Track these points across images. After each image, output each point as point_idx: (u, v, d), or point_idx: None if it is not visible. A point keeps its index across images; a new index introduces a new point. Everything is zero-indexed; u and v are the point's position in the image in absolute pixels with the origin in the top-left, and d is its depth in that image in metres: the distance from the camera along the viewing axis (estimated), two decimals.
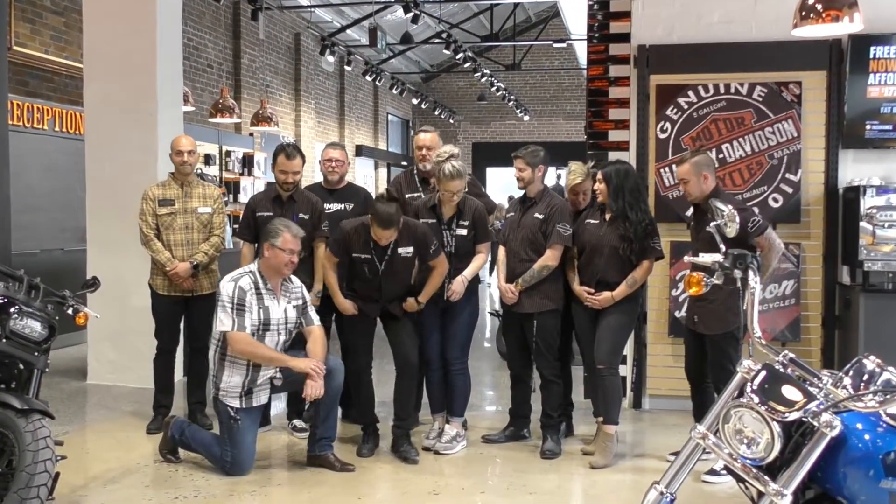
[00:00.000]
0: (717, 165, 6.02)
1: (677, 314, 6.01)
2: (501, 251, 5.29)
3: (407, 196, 5.50)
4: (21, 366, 3.97)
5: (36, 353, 3.97)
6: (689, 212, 5.22)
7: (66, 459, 4.11)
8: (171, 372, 5.75)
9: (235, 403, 4.70)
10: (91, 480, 4.71)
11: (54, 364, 4.55)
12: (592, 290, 5.02)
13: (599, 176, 5.08)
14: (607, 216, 5.05)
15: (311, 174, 15.44)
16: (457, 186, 5.01)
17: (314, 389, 4.65)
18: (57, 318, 4.13)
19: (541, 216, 5.15)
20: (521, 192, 5.29)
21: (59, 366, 7.25)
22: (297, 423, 5.62)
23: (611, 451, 4.99)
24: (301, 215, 5.45)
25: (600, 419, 5.10)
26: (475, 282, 5.28)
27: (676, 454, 5.02)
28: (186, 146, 5.64)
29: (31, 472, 3.56)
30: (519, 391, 5.43)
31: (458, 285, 5.11)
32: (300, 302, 4.93)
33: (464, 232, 5.15)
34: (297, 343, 4.95)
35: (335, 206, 5.72)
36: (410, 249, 5.01)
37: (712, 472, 4.66)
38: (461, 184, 5.02)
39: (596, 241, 5.05)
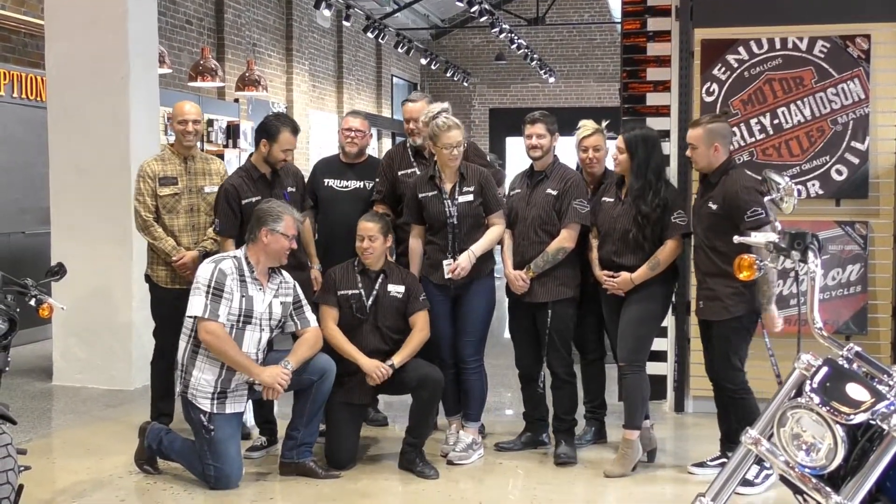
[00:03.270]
0: (770, 132, 6.02)
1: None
2: (506, 234, 5.29)
3: (399, 174, 5.56)
4: None
5: None
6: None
7: (31, 470, 4.16)
8: (172, 375, 5.56)
9: (206, 406, 4.72)
10: (59, 494, 4.75)
11: (15, 363, 4.58)
12: (612, 275, 5.04)
13: (620, 142, 5.04)
14: (623, 193, 5.06)
15: (306, 147, 15.48)
16: (456, 137, 5.07)
17: (271, 395, 4.78)
18: (18, 310, 4.15)
19: (554, 192, 5.18)
20: (538, 164, 5.28)
21: (20, 365, 7.31)
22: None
23: (630, 459, 5.01)
24: (290, 189, 5.48)
25: None
26: (487, 263, 5.26)
27: (701, 465, 5.05)
28: (192, 114, 5.59)
29: None
30: (531, 392, 5.47)
31: (465, 260, 5.10)
32: (290, 299, 4.96)
33: (469, 198, 5.16)
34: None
35: (354, 184, 5.76)
36: (401, 289, 5.13)
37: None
38: (460, 133, 5.10)
39: (609, 222, 5.08)
